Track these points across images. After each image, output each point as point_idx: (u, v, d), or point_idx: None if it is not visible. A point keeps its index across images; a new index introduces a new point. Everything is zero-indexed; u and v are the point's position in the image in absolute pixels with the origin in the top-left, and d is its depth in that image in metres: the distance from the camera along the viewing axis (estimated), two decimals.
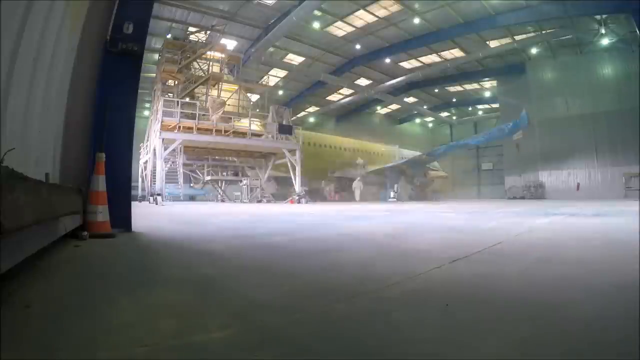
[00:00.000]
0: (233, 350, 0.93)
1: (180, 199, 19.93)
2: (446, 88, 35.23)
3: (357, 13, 21.86)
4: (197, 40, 19.11)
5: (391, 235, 3.83)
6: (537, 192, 27.47)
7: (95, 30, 3.50)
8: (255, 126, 19.16)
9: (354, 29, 23.60)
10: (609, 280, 1.66)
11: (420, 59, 28.26)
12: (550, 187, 27.23)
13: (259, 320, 1.16)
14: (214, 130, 16.70)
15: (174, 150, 16.18)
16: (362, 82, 31.69)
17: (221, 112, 17.51)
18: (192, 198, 24.79)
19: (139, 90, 4.16)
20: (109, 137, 3.68)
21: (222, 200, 21.63)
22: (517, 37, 24.32)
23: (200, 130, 16.38)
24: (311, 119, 36.08)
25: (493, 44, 25.34)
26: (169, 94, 18.09)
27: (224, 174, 21.93)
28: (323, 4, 19.82)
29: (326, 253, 2.60)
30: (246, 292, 1.50)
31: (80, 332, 1.04)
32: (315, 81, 29.36)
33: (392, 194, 24.30)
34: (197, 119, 16.08)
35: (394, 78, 29.34)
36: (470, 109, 41.03)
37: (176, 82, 18.66)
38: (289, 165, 19.05)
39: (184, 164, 18.28)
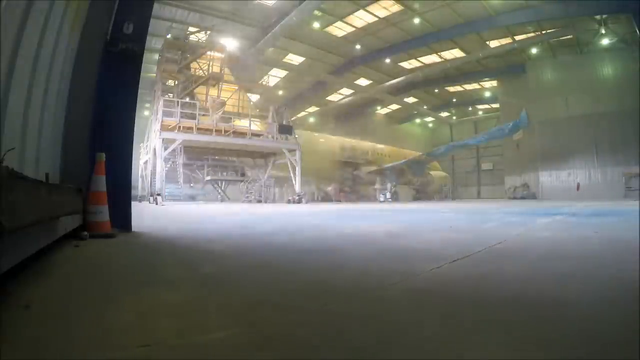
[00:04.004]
0: (233, 350, 0.93)
1: (180, 199, 19.94)
2: (446, 88, 35.22)
3: (357, 13, 21.86)
4: (197, 40, 19.10)
5: (390, 235, 3.83)
6: (537, 192, 27.46)
7: (95, 30, 3.50)
8: (255, 126, 19.16)
9: (354, 29, 23.59)
10: (609, 279, 1.66)
11: (420, 59, 28.25)
12: (550, 187, 27.21)
13: (259, 320, 1.16)
14: (214, 130, 16.70)
15: (174, 150, 16.18)
16: (362, 82, 31.67)
17: (221, 112, 17.51)
18: (192, 198, 24.79)
19: (139, 90, 4.16)
20: (109, 137, 3.68)
21: (222, 200, 21.63)
22: (517, 37, 24.31)
23: (200, 130, 16.38)
24: (311, 119, 36.07)
25: (493, 44, 25.34)
26: (169, 94, 18.09)
27: (224, 174, 21.93)
28: (323, 4, 19.81)
29: (326, 252, 2.60)
30: (246, 292, 1.50)
31: (80, 332, 1.04)
32: (315, 81, 29.35)
33: (387, 195, 24.29)
34: (197, 119, 16.08)
35: (394, 78, 29.33)
36: (470, 109, 41.00)
37: (176, 82, 18.65)
38: (289, 165, 19.06)
39: (184, 164, 18.28)
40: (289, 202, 18.71)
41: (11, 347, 0.91)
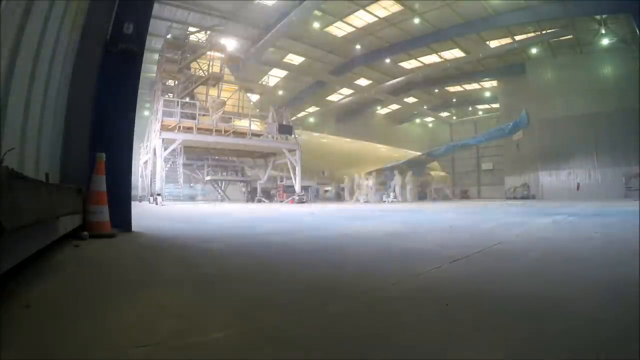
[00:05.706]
0: (233, 350, 0.93)
1: (180, 199, 19.93)
2: (446, 88, 35.23)
3: (357, 13, 21.86)
4: (197, 40, 19.10)
5: (391, 235, 3.82)
6: (536, 193, 27.45)
7: (95, 30, 3.49)
8: (255, 126, 19.16)
9: (354, 29, 23.59)
10: (609, 279, 1.66)
11: (420, 59, 28.26)
12: (550, 187, 27.19)
13: (259, 320, 1.16)
14: (214, 130, 16.69)
15: (174, 150, 16.17)
16: (362, 82, 31.67)
17: (221, 112, 17.50)
18: (192, 198, 24.79)
19: (139, 90, 4.16)
20: (109, 137, 3.67)
21: (222, 200, 21.63)
22: (517, 37, 24.31)
23: (200, 130, 16.37)
24: (311, 119, 36.07)
25: (493, 44, 25.34)
26: (169, 94, 18.08)
27: (224, 174, 21.92)
28: (323, 4, 19.81)
29: (327, 252, 2.60)
30: (246, 292, 1.50)
31: (80, 332, 1.04)
32: (315, 81, 29.35)
33: (391, 195, 24.27)
34: (197, 119, 16.07)
35: (394, 78, 29.32)
36: (470, 109, 41.01)
37: (176, 82, 18.65)
38: (289, 165, 19.06)
39: (184, 164, 18.27)
40: (289, 202, 18.71)
41: (11, 347, 0.91)
